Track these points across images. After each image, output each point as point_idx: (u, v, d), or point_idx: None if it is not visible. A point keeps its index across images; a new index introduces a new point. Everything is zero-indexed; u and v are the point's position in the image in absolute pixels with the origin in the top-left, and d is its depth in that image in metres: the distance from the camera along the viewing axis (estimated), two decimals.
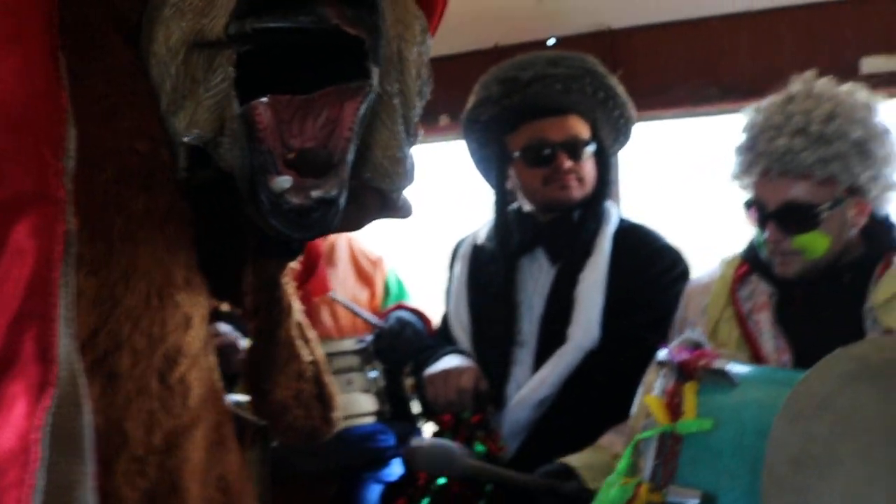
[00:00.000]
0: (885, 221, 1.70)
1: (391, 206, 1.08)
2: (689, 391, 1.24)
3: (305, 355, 1.25)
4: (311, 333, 1.31)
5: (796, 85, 1.67)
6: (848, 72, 2.16)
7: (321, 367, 1.29)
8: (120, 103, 0.91)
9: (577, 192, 2.01)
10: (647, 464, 1.18)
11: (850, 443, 1.03)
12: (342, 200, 0.91)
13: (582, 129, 2.02)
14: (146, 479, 0.92)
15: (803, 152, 1.56)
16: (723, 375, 1.25)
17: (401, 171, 1.01)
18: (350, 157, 0.93)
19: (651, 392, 1.25)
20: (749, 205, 1.69)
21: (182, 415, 0.97)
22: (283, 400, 1.22)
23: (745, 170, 1.67)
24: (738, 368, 1.30)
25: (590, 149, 2.02)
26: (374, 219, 1.12)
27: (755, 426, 1.15)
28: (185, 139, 0.92)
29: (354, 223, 1.10)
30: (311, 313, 2.42)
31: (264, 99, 0.90)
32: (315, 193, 0.88)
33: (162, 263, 0.94)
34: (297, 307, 1.26)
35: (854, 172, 1.58)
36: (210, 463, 1.05)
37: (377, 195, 1.06)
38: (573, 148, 1.99)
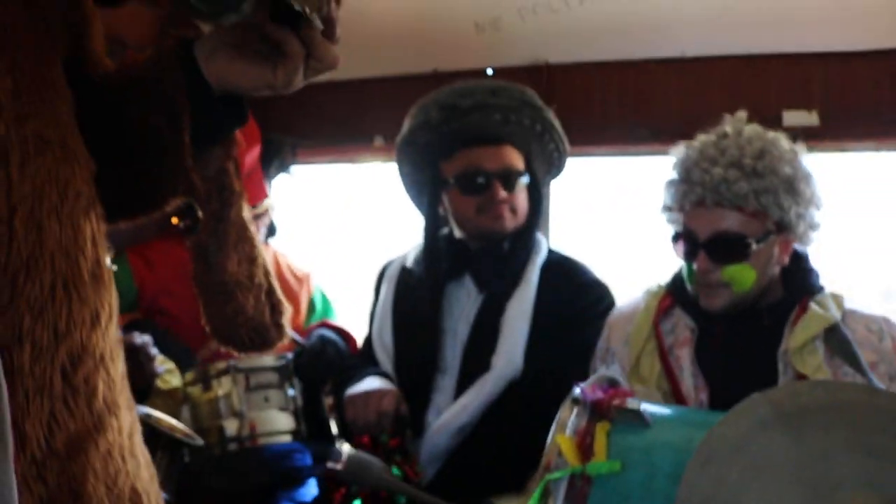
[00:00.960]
0: (805, 266, 1.77)
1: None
2: (601, 431, 1.23)
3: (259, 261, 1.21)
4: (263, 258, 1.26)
5: (728, 124, 1.75)
6: (771, 122, 2.25)
7: (272, 277, 1.25)
8: None
9: (510, 222, 2.03)
10: None
11: (759, 488, 1.05)
12: None
13: (517, 160, 2.04)
14: (45, 484, 0.87)
15: (738, 183, 1.63)
16: (636, 416, 1.25)
17: None
18: None
19: (564, 430, 1.24)
20: (678, 236, 1.73)
21: (86, 418, 0.92)
22: (236, 275, 1.15)
23: (678, 200, 1.71)
24: (652, 409, 1.30)
25: (524, 180, 2.04)
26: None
27: (666, 469, 1.15)
28: None
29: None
30: None
31: None
32: None
33: (68, 255, 0.90)
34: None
35: (784, 207, 1.65)
36: (117, 472, 0.99)
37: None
38: (508, 178, 2.01)
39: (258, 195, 2.36)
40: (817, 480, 1.04)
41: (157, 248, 2.47)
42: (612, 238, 2.91)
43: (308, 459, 2.30)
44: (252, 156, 2.30)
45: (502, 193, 2.00)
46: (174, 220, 2.54)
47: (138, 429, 1.09)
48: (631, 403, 1.27)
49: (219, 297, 1.16)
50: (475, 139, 2.02)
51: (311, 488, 2.29)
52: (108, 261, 0.99)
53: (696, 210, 1.69)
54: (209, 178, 1.11)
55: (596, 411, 1.27)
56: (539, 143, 2.07)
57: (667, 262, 1.90)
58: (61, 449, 0.89)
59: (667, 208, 1.77)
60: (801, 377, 1.59)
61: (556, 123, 2.10)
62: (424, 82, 2.37)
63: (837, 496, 1.03)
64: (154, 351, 2.05)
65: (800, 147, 1.74)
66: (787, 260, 1.74)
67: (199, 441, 1.99)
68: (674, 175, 1.74)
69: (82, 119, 1.01)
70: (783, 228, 1.69)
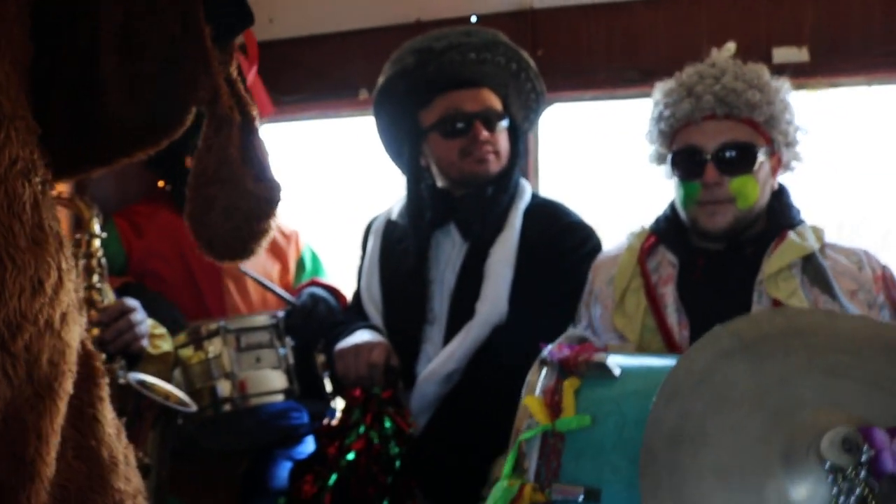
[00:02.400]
0: (787, 201, 1.78)
1: None
2: (568, 388, 1.24)
3: None
4: None
5: (715, 55, 1.78)
6: (760, 60, 2.21)
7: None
8: None
9: (494, 165, 2.01)
10: (532, 464, 1.18)
11: (722, 418, 1.05)
12: None
13: (495, 102, 2.03)
14: None
15: (748, 92, 1.67)
16: (604, 369, 1.26)
17: None
18: None
19: (534, 392, 1.24)
20: (680, 156, 1.73)
21: (24, 386, 0.91)
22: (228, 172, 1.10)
23: (684, 116, 1.72)
24: (620, 360, 1.31)
25: (503, 123, 2.03)
26: None
27: (635, 417, 1.16)
28: None
29: None
30: (219, 288, 2.39)
31: None
32: None
33: (1, 223, 0.88)
34: None
35: (782, 123, 1.70)
36: (67, 435, 1.00)
37: None
38: (488, 119, 2.00)
39: (265, 109, 2.32)
40: (779, 404, 1.05)
41: (143, 212, 2.45)
42: (601, 183, 2.88)
43: (305, 417, 2.31)
44: (254, 71, 2.29)
45: (484, 134, 1.99)
46: (161, 184, 2.52)
47: (103, 382, 1.08)
48: (598, 357, 1.28)
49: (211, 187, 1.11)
50: (452, 83, 2.01)
51: (309, 446, 2.30)
52: (56, 225, 0.96)
53: (703, 123, 1.70)
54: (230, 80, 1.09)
55: (564, 369, 1.28)
56: (516, 83, 2.05)
57: (653, 206, 1.89)
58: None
59: (661, 133, 1.77)
60: (776, 304, 1.60)
61: (532, 63, 2.08)
62: (407, 32, 2.31)
63: (800, 417, 1.04)
64: (143, 316, 2.04)
65: (787, 83, 1.76)
66: (776, 185, 1.77)
67: (194, 407, 1.99)
68: (670, 97, 1.75)
69: (69, 52, 0.99)
70: (778, 147, 1.73)
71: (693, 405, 1.07)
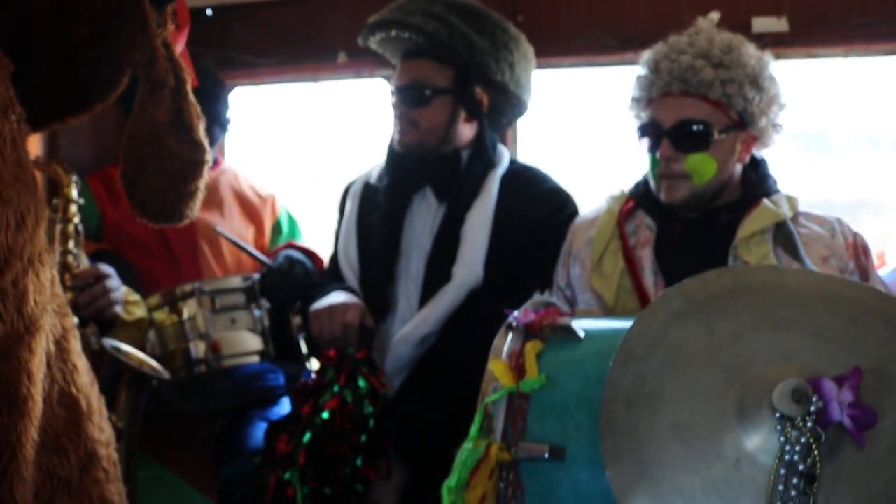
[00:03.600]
0: (763, 171, 1.80)
1: None
2: (530, 350, 1.26)
3: None
4: None
5: (700, 22, 1.78)
6: (740, 30, 2.20)
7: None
8: None
9: (409, 137, 2.02)
10: (498, 424, 1.20)
11: (677, 377, 1.07)
12: None
13: (430, 73, 2.01)
14: None
15: (704, 70, 1.67)
16: (569, 332, 1.28)
17: None
18: None
19: (500, 356, 1.26)
20: (644, 129, 1.75)
21: (16, 321, 0.92)
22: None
23: (646, 91, 1.74)
24: (585, 324, 1.32)
25: (437, 93, 2.00)
26: None
27: (598, 376, 1.17)
28: None
29: None
30: (194, 251, 2.38)
31: None
32: None
33: None
34: None
35: (748, 98, 1.69)
36: (52, 377, 1.01)
37: None
38: (407, 92, 2.01)
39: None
40: (731, 361, 1.07)
41: (114, 172, 2.42)
42: (580, 150, 2.89)
43: (281, 379, 2.32)
44: (183, 39, 2.27)
45: (401, 108, 2.02)
46: None
47: (75, 334, 1.09)
48: (562, 321, 1.30)
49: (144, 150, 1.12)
50: (398, 55, 2.07)
51: (284, 407, 2.31)
52: (30, 164, 0.97)
53: (662, 99, 1.72)
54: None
55: (529, 333, 1.30)
56: (475, 50, 1.97)
57: (632, 172, 1.90)
58: None
59: (634, 101, 1.79)
60: None
61: (505, 28, 2.04)
62: None
63: (751, 372, 1.05)
64: (118, 282, 2.03)
65: (767, 54, 1.76)
66: (747, 158, 1.78)
67: (167, 375, 1.99)
68: (643, 70, 1.77)
69: (13, 10, 0.99)
70: (746, 123, 1.72)
71: (648, 367, 1.09)
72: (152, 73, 1.06)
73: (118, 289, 2.01)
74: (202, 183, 1.13)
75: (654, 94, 1.73)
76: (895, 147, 2.76)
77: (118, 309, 2.00)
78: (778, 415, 0.98)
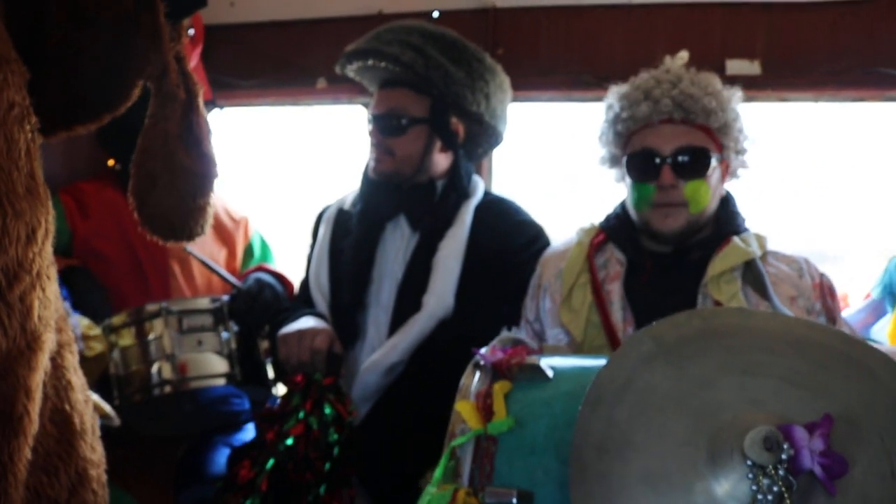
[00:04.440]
0: (732, 208, 1.82)
1: None
2: (498, 391, 1.23)
3: None
4: None
5: (668, 62, 1.82)
6: (714, 71, 2.25)
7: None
8: None
9: (385, 165, 2.03)
10: (465, 468, 1.16)
11: (647, 423, 1.06)
12: None
13: (407, 103, 2.02)
14: None
15: (704, 99, 1.71)
16: (537, 371, 1.26)
17: None
18: None
19: (467, 397, 1.23)
20: (635, 157, 1.74)
21: (18, 337, 0.89)
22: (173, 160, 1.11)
23: (643, 118, 1.74)
24: (553, 362, 1.30)
25: (413, 123, 2.01)
26: None
27: (566, 418, 1.15)
28: None
29: None
30: (164, 270, 2.36)
31: None
32: None
33: (1, 167, 0.86)
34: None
35: (736, 128, 1.75)
36: (45, 393, 0.98)
37: None
38: (384, 121, 2.02)
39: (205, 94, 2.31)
40: (702, 407, 1.06)
41: (90, 191, 2.41)
42: (555, 182, 2.91)
43: (246, 404, 2.29)
44: (198, 53, 2.27)
45: (377, 136, 2.03)
46: (110, 162, 2.47)
47: (73, 349, 1.07)
48: (530, 360, 1.27)
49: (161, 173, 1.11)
50: (375, 83, 2.09)
51: (249, 433, 2.28)
52: (42, 175, 0.95)
53: (660, 127, 1.73)
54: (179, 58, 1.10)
55: (497, 373, 1.27)
56: (451, 80, 1.99)
57: (604, 206, 1.92)
58: None
59: (615, 133, 1.79)
60: (717, 305, 1.63)
61: (482, 60, 2.06)
62: (370, 23, 2.31)
63: (722, 417, 1.04)
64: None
65: (736, 89, 1.81)
66: (723, 192, 1.81)
67: (116, 422, 1.92)
68: (627, 100, 1.77)
69: (26, 19, 0.98)
70: (727, 154, 1.77)
71: (618, 412, 1.07)
72: (164, 85, 1.06)
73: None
74: (211, 199, 1.12)
75: (652, 121, 1.73)
76: (858, 196, 2.82)
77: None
78: (749, 462, 0.97)
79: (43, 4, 1.01)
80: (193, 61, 2.18)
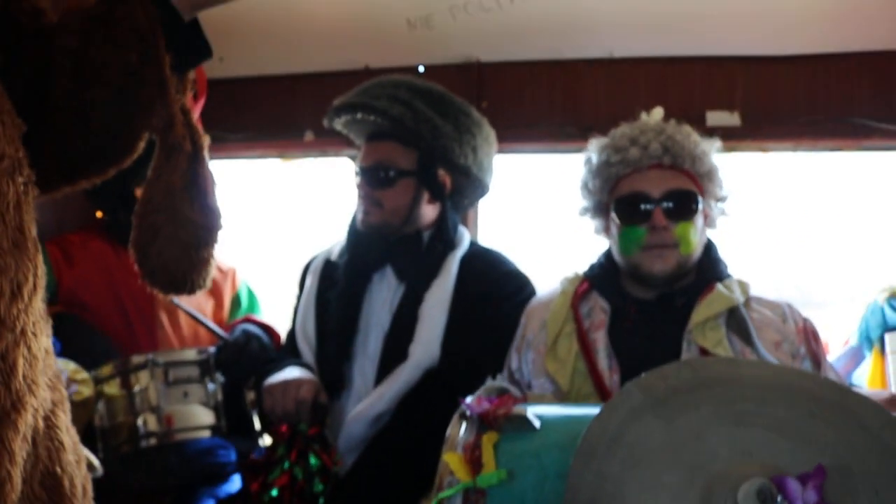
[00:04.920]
0: (715, 255, 1.85)
1: None
2: (487, 442, 1.23)
3: None
4: None
5: (644, 118, 1.88)
6: (695, 122, 2.30)
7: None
8: None
9: (373, 217, 2.05)
10: None
11: (639, 476, 1.05)
12: None
13: (395, 156, 2.05)
14: None
15: (689, 145, 1.77)
16: (524, 421, 1.25)
17: None
18: None
19: (454, 448, 1.23)
20: (624, 202, 1.78)
21: (3, 397, 0.86)
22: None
23: (633, 163, 1.77)
24: (540, 411, 1.30)
25: (401, 175, 2.04)
26: None
27: (556, 469, 1.15)
28: None
29: None
30: (151, 321, 2.35)
31: None
32: None
33: None
34: None
35: (718, 176, 1.81)
36: (36, 455, 0.95)
37: None
38: (372, 173, 2.05)
39: None
40: (694, 459, 1.06)
41: (76, 241, 2.42)
42: (540, 234, 2.93)
43: (232, 455, 2.26)
44: (200, 106, 2.31)
45: (365, 188, 2.05)
46: (98, 214, 2.49)
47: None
48: (517, 410, 1.27)
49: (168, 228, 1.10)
50: (363, 136, 2.12)
51: (235, 484, 2.25)
52: (34, 228, 0.94)
53: (648, 172, 1.77)
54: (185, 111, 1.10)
55: (484, 423, 1.27)
56: (439, 134, 2.01)
57: (589, 256, 1.94)
58: None
59: (607, 180, 1.82)
60: (703, 352, 1.64)
61: (468, 113, 2.09)
62: (356, 78, 2.35)
63: (714, 470, 1.04)
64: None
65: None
66: (706, 238, 1.84)
67: (100, 472, 1.90)
68: (612, 148, 1.81)
69: (17, 74, 0.97)
70: (708, 200, 1.81)
71: (609, 466, 1.07)
72: (169, 138, 1.06)
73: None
74: (215, 250, 1.11)
75: (641, 166, 1.76)
76: (839, 243, 2.85)
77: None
78: None
79: (48, 58, 1.02)
80: (195, 114, 2.21)
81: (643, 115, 1.88)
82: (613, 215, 1.80)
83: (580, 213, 1.90)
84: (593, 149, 1.88)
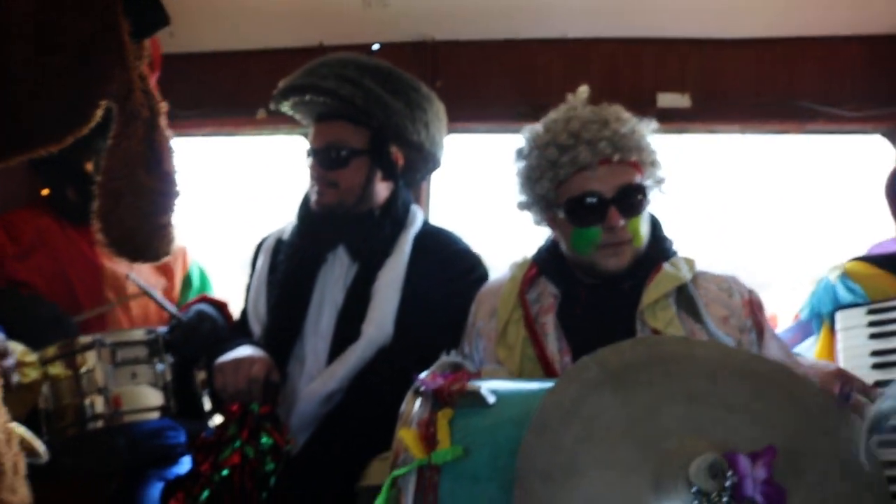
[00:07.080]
0: (660, 234, 1.84)
1: None
2: (442, 419, 1.22)
3: None
4: None
5: (571, 99, 1.81)
6: (646, 103, 2.33)
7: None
8: None
9: (328, 198, 2.04)
10: (408, 499, 1.15)
11: (592, 450, 1.07)
12: None
13: (346, 135, 2.03)
14: None
15: (634, 136, 1.71)
16: (478, 397, 1.25)
17: None
18: None
19: (409, 424, 1.23)
20: (575, 202, 1.71)
21: None
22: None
23: (583, 162, 1.69)
24: (494, 386, 1.29)
25: (354, 155, 2.02)
26: None
27: (510, 446, 1.14)
28: None
29: None
30: (99, 301, 2.31)
31: None
32: None
33: None
34: None
35: (658, 160, 1.76)
36: None
37: None
38: (324, 154, 2.03)
39: None
40: (646, 433, 1.08)
41: (22, 219, 2.36)
42: (492, 213, 2.94)
43: (182, 437, 2.24)
44: (155, 78, 2.26)
45: (318, 169, 2.03)
46: (44, 192, 2.43)
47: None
48: (471, 386, 1.26)
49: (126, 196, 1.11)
50: (313, 117, 2.09)
51: (185, 466, 2.23)
52: None
53: (599, 168, 1.70)
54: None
55: (438, 399, 1.26)
56: (390, 111, 2.00)
57: (539, 239, 1.94)
58: None
59: (564, 176, 1.72)
60: (655, 333, 1.65)
61: (418, 88, 2.07)
62: (310, 55, 2.32)
63: (667, 445, 1.06)
64: (10, 351, 1.93)
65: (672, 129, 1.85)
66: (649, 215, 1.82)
67: (45, 459, 1.86)
68: (556, 149, 1.72)
69: None
70: (651, 183, 1.77)
71: (563, 439, 1.08)
72: (127, 105, 1.07)
73: (11, 357, 1.91)
74: (173, 217, 1.12)
75: (591, 164, 1.69)
76: (784, 224, 2.92)
77: (15, 378, 1.90)
78: (695, 489, 0.99)
79: (6, 23, 1.00)
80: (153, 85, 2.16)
81: (569, 97, 1.82)
82: (564, 216, 1.74)
83: (519, 206, 1.84)
84: (531, 142, 1.79)
